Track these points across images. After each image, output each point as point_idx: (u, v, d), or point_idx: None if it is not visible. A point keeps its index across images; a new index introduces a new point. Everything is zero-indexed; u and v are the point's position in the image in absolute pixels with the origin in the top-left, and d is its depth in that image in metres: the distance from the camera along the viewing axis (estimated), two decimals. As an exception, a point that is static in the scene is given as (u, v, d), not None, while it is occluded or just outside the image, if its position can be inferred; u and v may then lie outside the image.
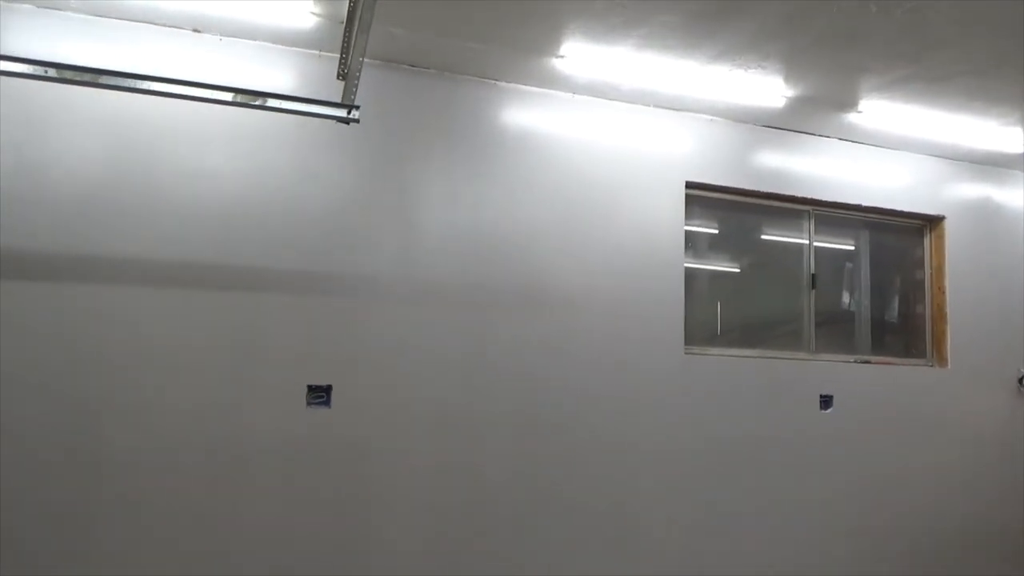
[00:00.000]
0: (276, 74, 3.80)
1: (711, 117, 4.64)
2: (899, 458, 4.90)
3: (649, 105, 4.49)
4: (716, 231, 4.88)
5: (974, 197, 5.38)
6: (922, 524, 4.93)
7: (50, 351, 3.35)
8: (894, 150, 5.10)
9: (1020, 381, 5.33)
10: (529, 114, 4.27)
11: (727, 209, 4.85)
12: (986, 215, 5.40)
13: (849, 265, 5.27)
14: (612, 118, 4.43)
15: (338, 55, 3.37)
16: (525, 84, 4.24)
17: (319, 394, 3.77)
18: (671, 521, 4.32)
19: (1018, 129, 4.71)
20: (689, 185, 4.57)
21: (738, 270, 5.00)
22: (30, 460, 3.28)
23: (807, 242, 5.00)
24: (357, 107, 3.04)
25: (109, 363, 3.43)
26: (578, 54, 3.84)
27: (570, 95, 4.33)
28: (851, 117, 4.56)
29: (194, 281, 3.59)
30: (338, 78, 3.20)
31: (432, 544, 3.86)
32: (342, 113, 3.02)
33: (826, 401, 4.77)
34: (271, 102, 2.97)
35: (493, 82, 4.19)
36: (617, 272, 4.35)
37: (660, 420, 4.35)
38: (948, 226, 5.24)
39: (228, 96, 2.89)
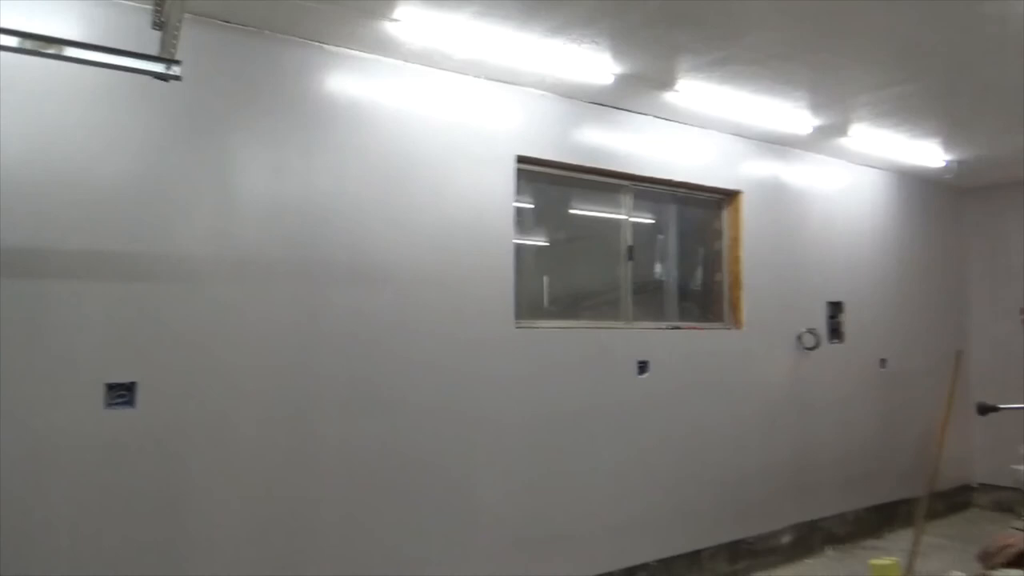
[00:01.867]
0: (70, 21, 3.18)
1: (543, 92, 4.62)
2: (706, 411, 5.34)
3: (481, 77, 4.36)
4: (543, 205, 4.91)
5: (766, 174, 5.89)
6: (727, 465, 5.44)
7: None
8: (702, 128, 5.42)
9: (799, 338, 5.99)
10: (360, 81, 3.98)
11: (554, 184, 4.89)
12: (775, 190, 5.94)
13: (660, 237, 5.57)
14: (445, 88, 4.26)
15: (151, 4, 2.87)
16: (356, 49, 3.92)
17: (120, 393, 3.30)
18: (507, 486, 4.36)
19: (807, 112, 5.18)
20: (520, 159, 4.54)
21: (563, 243, 5.09)
22: None
23: (625, 216, 5.19)
24: (177, 62, 2.60)
25: None
26: (413, 19, 3.61)
27: (402, 62, 4.09)
28: (668, 96, 4.75)
29: (-47, 267, 2.96)
30: (153, 27, 2.73)
31: (261, 540, 3.57)
32: (159, 68, 2.56)
33: (643, 366, 5.03)
34: (69, 51, 2.44)
35: (321, 45, 3.83)
36: (450, 246, 4.23)
37: (494, 391, 4.35)
38: (744, 200, 5.70)
39: (13, 41, 2.34)
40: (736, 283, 5.69)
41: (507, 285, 4.45)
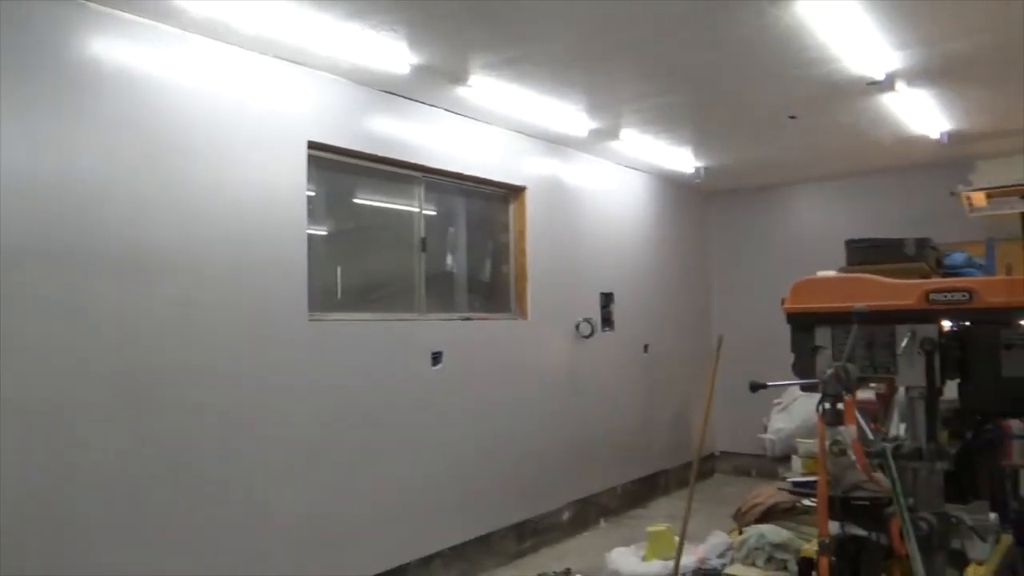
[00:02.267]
0: None
1: (336, 77, 4.49)
2: (495, 399, 5.53)
3: (270, 55, 4.14)
4: (336, 194, 4.79)
5: (548, 171, 6.23)
6: (514, 450, 5.69)
7: None
8: (491, 125, 5.60)
9: (576, 327, 6.41)
10: (132, 48, 3.59)
11: (347, 172, 4.79)
12: (556, 187, 6.31)
13: (451, 229, 5.67)
14: (232, 65, 3.98)
15: None
16: (127, 11, 3.53)
17: None
18: (300, 485, 4.19)
19: (584, 115, 5.56)
20: (312, 145, 4.38)
21: (355, 234, 5.00)
22: None
23: (418, 208, 5.22)
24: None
25: None
26: (198, -16, 3.34)
27: (180, 31, 3.75)
28: (461, 90, 4.85)
29: None
30: None
31: (17, 550, 3.10)
32: None
33: (436, 357, 5.09)
34: None
35: (84, 2, 3.40)
36: (238, 234, 3.97)
37: (285, 387, 4.15)
38: (528, 195, 5.98)
39: None
40: (522, 275, 5.95)
41: (299, 276, 4.28)
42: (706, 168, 7.34)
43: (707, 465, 8.34)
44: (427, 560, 4.92)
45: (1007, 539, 3.16)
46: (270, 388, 4.08)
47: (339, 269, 4.77)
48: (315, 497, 4.27)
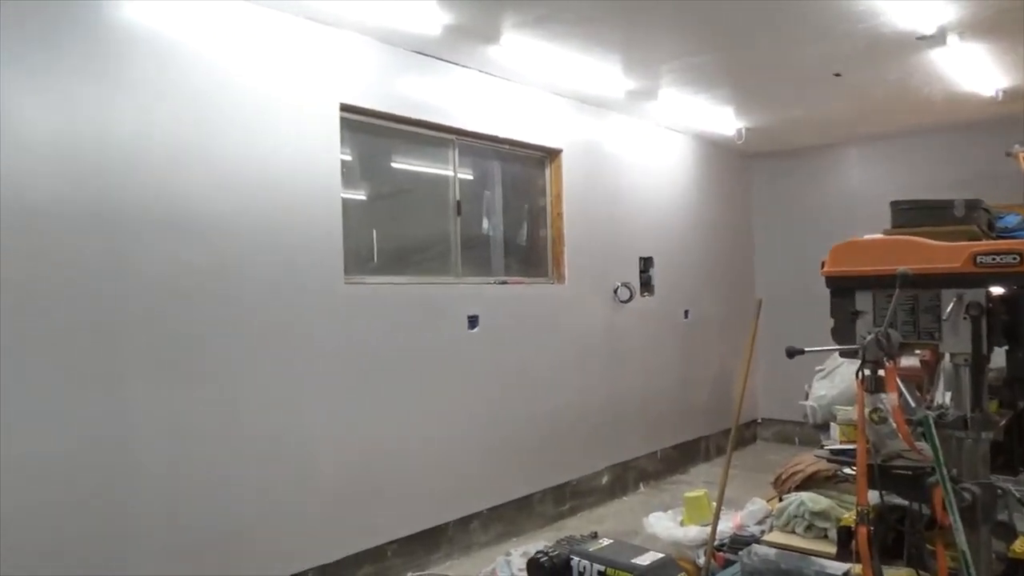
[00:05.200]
0: None
1: (367, 38, 4.44)
2: (531, 359, 5.52)
3: (301, 16, 4.11)
4: (369, 158, 4.77)
5: (585, 133, 6.11)
6: (552, 414, 5.67)
7: None
8: (524, 85, 5.50)
9: (615, 292, 6.34)
10: (166, 12, 3.58)
11: (380, 135, 4.76)
12: (593, 149, 6.19)
13: (487, 193, 5.62)
14: (263, 27, 3.97)
15: None
16: (155, -27, 3.54)
17: None
18: (337, 444, 4.26)
19: (621, 75, 5.42)
20: (344, 108, 4.35)
21: (390, 198, 4.98)
22: None
23: (452, 171, 5.17)
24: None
25: None
26: (227, -53, 3.31)
27: (212, -6, 3.74)
28: (493, 50, 4.76)
29: None
30: None
31: (70, 509, 3.22)
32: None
33: (473, 320, 5.09)
34: None
35: (113, -35, 3.41)
36: (273, 198, 3.99)
37: (322, 350, 4.20)
38: (564, 158, 5.88)
39: None
40: (559, 239, 5.89)
41: (335, 240, 4.29)
42: (748, 129, 7.12)
43: (749, 432, 8.25)
44: (465, 520, 4.97)
45: (1057, 511, 3.04)
46: (307, 350, 4.12)
47: (374, 233, 4.77)
48: (353, 457, 4.33)
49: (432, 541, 4.76)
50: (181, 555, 3.56)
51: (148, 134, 3.52)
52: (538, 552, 3.16)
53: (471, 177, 5.39)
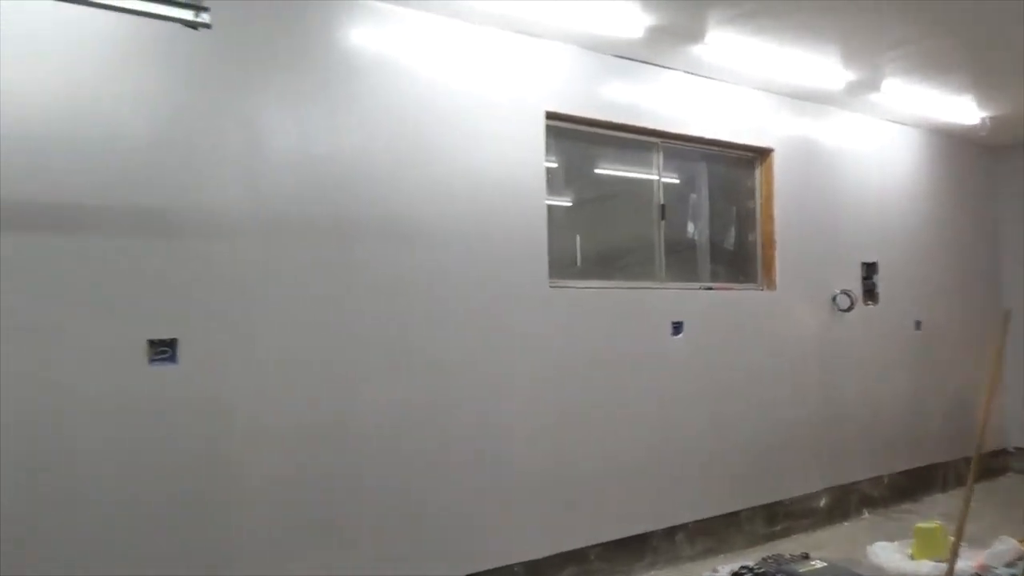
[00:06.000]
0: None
1: (569, 45, 4.55)
2: (739, 368, 5.28)
3: (507, 29, 4.30)
4: (573, 163, 4.85)
5: (799, 130, 5.79)
6: (758, 418, 5.38)
7: None
8: (732, 84, 5.32)
9: (833, 300, 5.91)
10: (385, 34, 3.93)
11: (583, 141, 4.84)
12: (808, 148, 5.84)
13: (692, 196, 5.49)
14: (471, 41, 4.21)
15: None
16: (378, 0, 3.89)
17: (162, 349, 3.30)
18: (542, 446, 4.34)
19: (839, 66, 5.07)
20: (549, 115, 4.48)
21: (594, 203, 5.04)
22: None
23: (656, 175, 5.12)
24: (206, 8, 2.57)
25: None
26: (442, -32, 3.56)
27: (424, 13, 4.02)
28: (697, 49, 4.66)
29: (-6, 223, 2.96)
30: (182, -25, 2.72)
31: (300, 498, 3.58)
32: (189, 15, 2.54)
33: (677, 327, 4.98)
34: (105, -2, 2.43)
35: (347, -4, 3.80)
36: (482, 204, 4.20)
37: (528, 351, 4.32)
38: (776, 157, 5.60)
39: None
40: (769, 243, 5.61)
41: (540, 244, 4.41)
42: (993, 118, 6.34)
43: (997, 462, 7.26)
44: (670, 531, 4.85)
45: None
46: (513, 351, 4.26)
47: (578, 238, 4.84)
48: (558, 458, 4.39)
49: (636, 549, 4.68)
50: (398, 527, 3.81)
51: (371, 148, 3.85)
52: (743, 567, 3.01)
53: (676, 181, 5.30)
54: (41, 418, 3.02)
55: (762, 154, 5.63)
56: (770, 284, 5.59)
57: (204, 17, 2.59)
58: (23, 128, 3.01)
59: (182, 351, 3.32)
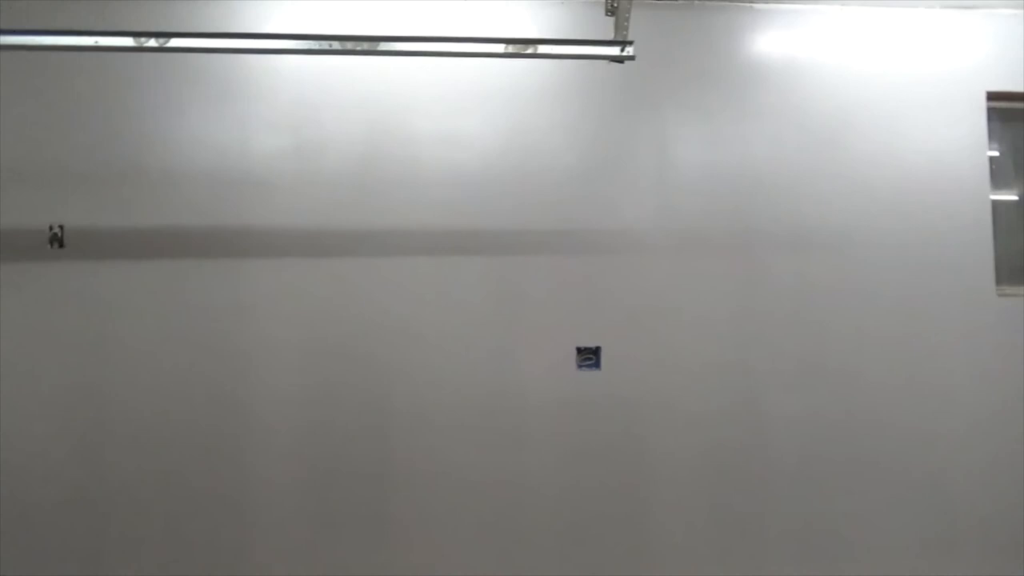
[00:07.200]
0: (527, 23, 3.68)
1: (1014, 11, 3.90)
2: None
3: (935, 6, 3.85)
4: (1021, 150, 4.11)
5: None
6: None
7: (334, 322, 3.50)
8: None
9: None
10: (791, 36, 3.82)
11: (1036, 122, 4.08)
12: None
13: None
14: (889, 27, 3.86)
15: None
16: (787, 2, 3.79)
17: (588, 356, 3.64)
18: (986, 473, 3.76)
19: None
20: (991, 96, 3.88)
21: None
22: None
23: None
24: (630, 43, 2.81)
25: (389, 328, 3.53)
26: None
27: (838, 7, 3.81)
28: None
29: (457, 247, 3.59)
30: (607, 14, 3.00)
31: (710, 488, 3.65)
32: (615, 51, 2.81)
33: None
34: (543, 48, 2.82)
35: (750, 5, 3.79)
36: (905, 206, 3.80)
37: (968, 369, 3.77)
38: None
39: (500, 48, 2.78)
40: None
41: (983, 246, 3.83)
42: None
43: None
44: None
45: None
46: (950, 368, 3.76)
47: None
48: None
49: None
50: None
51: (777, 157, 3.77)
52: None
53: None
54: (499, 414, 3.55)
55: None
56: None
57: (629, 51, 2.82)
58: (476, 167, 3.60)
59: (605, 358, 3.62)
